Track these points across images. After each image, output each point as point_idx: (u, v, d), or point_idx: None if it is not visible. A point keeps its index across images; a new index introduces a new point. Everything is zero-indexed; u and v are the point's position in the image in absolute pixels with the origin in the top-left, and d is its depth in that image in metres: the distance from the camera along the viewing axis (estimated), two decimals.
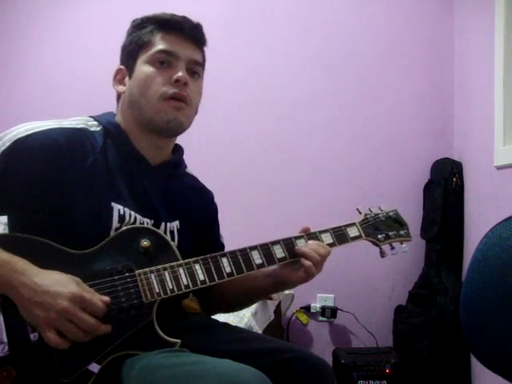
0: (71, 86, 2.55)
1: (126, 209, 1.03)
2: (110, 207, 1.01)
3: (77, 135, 1.03)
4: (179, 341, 0.97)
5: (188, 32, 1.10)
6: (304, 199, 2.51)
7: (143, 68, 1.08)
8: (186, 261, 1.01)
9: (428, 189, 2.43)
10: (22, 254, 0.90)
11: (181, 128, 1.10)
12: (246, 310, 1.96)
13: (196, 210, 1.19)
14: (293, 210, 2.49)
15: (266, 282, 1.15)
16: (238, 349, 1.06)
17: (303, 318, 2.51)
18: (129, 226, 1.02)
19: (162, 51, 1.07)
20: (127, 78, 1.11)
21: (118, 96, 1.14)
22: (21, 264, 0.88)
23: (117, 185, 1.04)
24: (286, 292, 2.39)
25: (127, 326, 0.94)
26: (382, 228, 1.21)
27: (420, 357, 2.17)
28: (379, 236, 1.20)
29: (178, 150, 1.21)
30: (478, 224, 2.14)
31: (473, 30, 2.27)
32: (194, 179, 1.26)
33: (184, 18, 1.12)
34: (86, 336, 0.87)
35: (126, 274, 0.96)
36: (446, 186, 2.31)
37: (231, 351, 1.02)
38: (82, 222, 0.98)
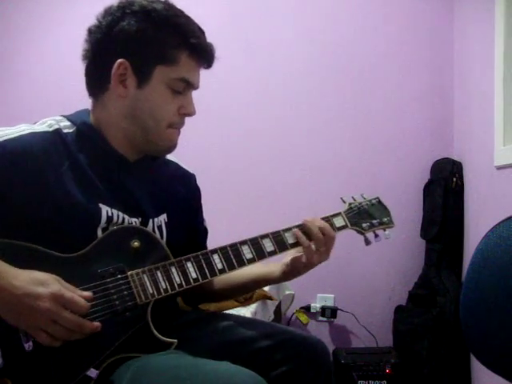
0: (72, 84, 2.55)
1: (113, 210, 1.01)
2: (98, 209, 0.99)
3: (50, 139, 0.99)
4: (175, 341, 0.97)
5: (209, 60, 1.09)
6: (303, 199, 2.51)
7: (160, 89, 1.03)
8: (178, 259, 1.00)
9: (428, 189, 2.43)
10: (7, 258, 0.86)
11: (174, 150, 1.11)
12: (246, 309, 1.96)
13: (181, 198, 1.18)
14: (292, 210, 2.48)
15: (279, 273, 1.16)
16: (229, 338, 1.07)
17: (303, 317, 2.51)
18: (117, 226, 1.00)
19: (184, 80, 1.04)
20: (134, 84, 1.02)
21: (103, 88, 1.04)
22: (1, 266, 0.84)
23: (99, 186, 1.01)
24: (287, 292, 2.39)
25: (123, 329, 0.93)
26: (365, 216, 1.22)
27: (420, 357, 2.17)
28: (363, 225, 1.21)
29: None
30: (477, 224, 2.14)
31: (473, 29, 2.27)
32: (175, 166, 1.22)
33: (206, 40, 1.08)
34: (73, 335, 0.85)
35: (119, 276, 0.94)
36: (446, 186, 2.30)
37: (223, 342, 1.05)
38: (67, 226, 0.95)
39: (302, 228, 1.12)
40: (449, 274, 2.27)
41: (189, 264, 1.00)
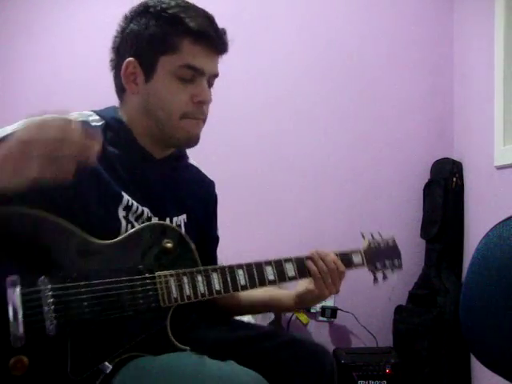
0: (74, 83, 2.56)
1: (133, 201, 1.01)
2: (120, 195, 0.99)
3: None
4: (188, 348, 0.97)
5: (216, 45, 1.05)
6: (304, 199, 2.51)
7: (166, 80, 1.02)
8: (204, 268, 1.00)
9: (428, 189, 2.43)
10: (41, 235, 0.87)
11: (197, 141, 1.09)
12: None
13: (199, 202, 1.19)
14: (294, 209, 2.49)
15: (290, 301, 1.19)
16: (238, 336, 1.09)
17: (303, 317, 2.51)
18: (153, 222, 1.02)
19: (189, 66, 1.02)
20: (142, 79, 1.04)
21: (122, 89, 1.07)
22: None
23: (123, 177, 1.02)
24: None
25: (142, 328, 0.93)
26: (380, 256, 1.27)
27: (420, 357, 2.17)
28: (377, 265, 1.26)
29: None
30: (477, 224, 2.14)
31: (473, 30, 2.27)
32: (197, 170, 1.24)
33: (212, 24, 1.05)
34: (59, 142, 0.77)
35: (146, 275, 0.94)
36: (446, 185, 2.31)
37: (228, 341, 1.07)
38: (88, 209, 0.95)
39: (312, 259, 1.14)
40: (449, 274, 2.27)
41: (214, 275, 1.00)
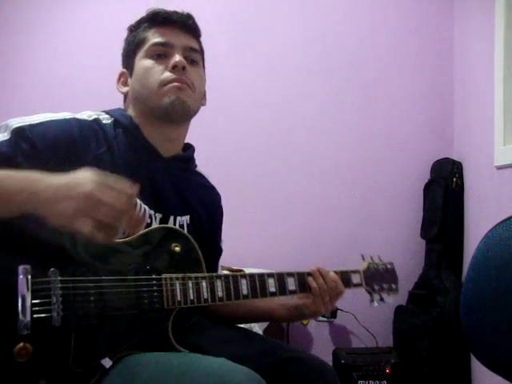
0: (75, 83, 2.56)
1: (137, 199, 1.02)
2: None
3: (90, 126, 1.04)
4: (186, 351, 0.98)
5: (179, 22, 1.13)
6: (304, 199, 2.51)
7: (141, 62, 1.11)
8: (209, 275, 1.03)
9: (428, 189, 2.43)
10: (54, 228, 0.86)
11: (186, 108, 1.10)
12: None
13: (204, 208, 1.20)
14: (294, 209, 2.49)
15: (284, 313, 1.21)
16: (238, 350, 1.07)
17: None
18: (164, 226, 1.05)
19: (156, 44, 1.10)
20: (129, 79, 1.14)
21: (124, 98, 1.17)
22: (36, 174, 0.83)
23: (129, 173, 1.01)
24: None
25: (144, 327, 0.95)
26: (378, 279, 1.31)
27: (420, 356, 2.17)
28: (375, 286, 1.30)
29: (190, 148, 1.23)
30: (478, 224, 2.15)
31: (473, 30, 2.27)
32: (205, 178, 1.27)
33: (174, 11, 1.15)
34: (118, 213, 0.82)
35: (153, 276, 0.97)
36: (446, 186, 2.31)
37: (231, 352, 1.03)
38: None
39: (313, 276, 1.16)
40: (449, 274, 2.27)
41: (218, 282, 1.03)
